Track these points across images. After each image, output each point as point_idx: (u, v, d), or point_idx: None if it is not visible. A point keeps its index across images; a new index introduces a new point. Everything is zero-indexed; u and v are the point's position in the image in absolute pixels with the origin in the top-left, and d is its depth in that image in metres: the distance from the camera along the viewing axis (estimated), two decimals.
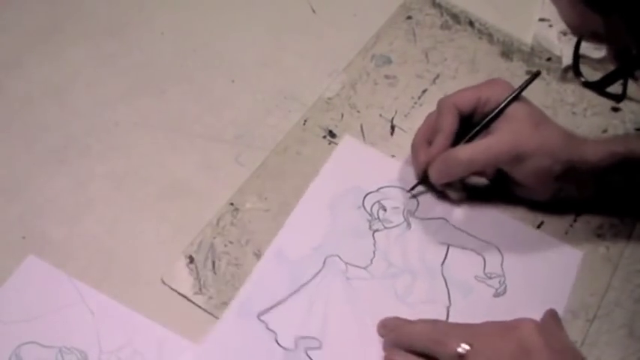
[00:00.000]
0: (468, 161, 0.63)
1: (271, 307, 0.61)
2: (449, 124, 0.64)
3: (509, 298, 0.64)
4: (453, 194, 0.68)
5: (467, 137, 0.65)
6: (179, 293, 0.61)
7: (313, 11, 0.84)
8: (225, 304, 0.61)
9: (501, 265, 0.65)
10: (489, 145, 0.63)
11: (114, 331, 0.59)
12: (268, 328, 0.59)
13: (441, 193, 0.69)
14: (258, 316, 0.60)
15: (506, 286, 0.64)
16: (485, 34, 0.83)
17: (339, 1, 0.85)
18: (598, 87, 0.50)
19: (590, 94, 0.75)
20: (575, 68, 0.52)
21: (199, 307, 0.61)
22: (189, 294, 0.61)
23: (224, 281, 0.62)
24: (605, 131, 0.75)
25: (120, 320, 0.59)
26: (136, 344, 0.58)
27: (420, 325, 0.58)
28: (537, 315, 0.60)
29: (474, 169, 0.65)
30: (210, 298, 0.61)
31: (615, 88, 0.73)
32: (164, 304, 0.61)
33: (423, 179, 0.67)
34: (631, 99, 0.75)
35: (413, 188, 0.68)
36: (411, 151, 0.69)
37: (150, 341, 0.59)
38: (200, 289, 0.62)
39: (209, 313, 0.60)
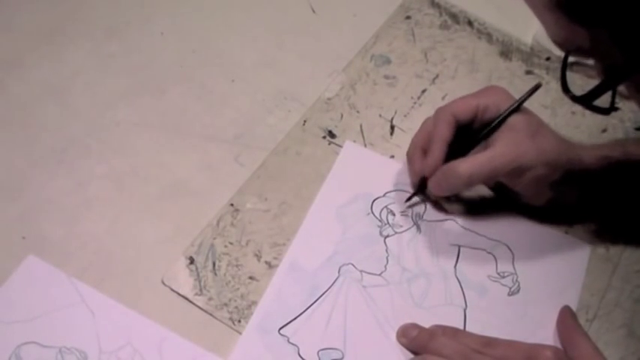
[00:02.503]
0: (468, 176, 0.62)
1: (291, 321, 0.61)
2: (443, 134, 0.64)
3: (523, 295, 0.64)
4: (448, 206, 0.68)
5: (467, 149, 0.65)
6: (179, 294, 0.61)
7: (313, 11, 0.84)
8: (225, 305, 0.61)
9: (512, 263, 0.66)
10: (489, 159, 0.62)
11: (114, 331, 0.59)
12: (290, 342, 0.59)
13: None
14: (279, 331, 0.60)
15: (519, 284, 0.65)
16: (485, 33, 0.83)
17: (339, 1, 0.85)
18: (585, 101, 0.50)
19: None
20: (563, 84, 0.51)
21: (200, 307, 0.61)
22: (189, 295, 0.61)
23: (224, 282, 0.62)
24: (604, 131, 0.75)
25: (120, 320, 0.59)
26: (136, 344, 0.58)
27: (444, 345, 0.58)
28: (552, 310, 0.62)
29: (474, 184, 0.65)
30: (211, 299, 0.61)
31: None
32: (164, 305, 0.61)
33: (419, 189, 0.67)
34: (630, 98, 0.75)
35: (409, 199, 0.68)
36: (407, 159, 0.69)
37: (150, 341, 0.59)
38: (200, 290, 0.62)
39: (209, 314, 0.61)
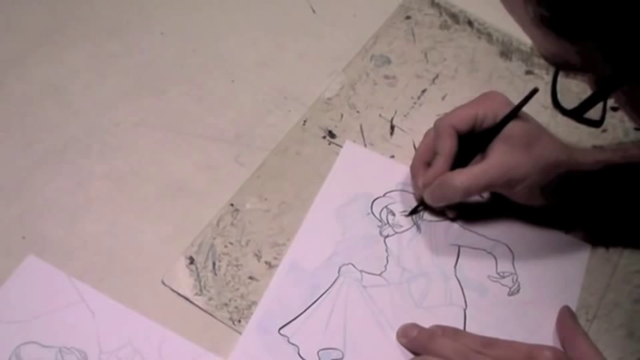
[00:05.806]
0: (463, 189, 0.62)
1: (291, 321, 0.61)
2: (447, 148, 0.64)
3: (523, 295, 0.64)
4: (450, 213, 0.68)
5: (466, 159, 0.65)
6: (179, 294, 0.61)
7: (313, 11, 0.84)
8: (225, 305, 0.61)
9: (512, 263, 0.66)
10: (484, 171, 0.62)
11: (114, 331, 0.59)
12: (290, 342, 0.59)
13: None
14: (279, 331, 0.60)
15: (519, 284, 0.65)
16: (485, 33, 0.83)
17: (339, 1, 0.85)
18: (575, 114, 0.49)
19: (589, 93, 0.75)
20: (553, 99, 0.51)
21: (200, 307, 0.61)
22: (189, 295, 0.61)
23: (224, 282, 0.62)
24: (604, 131, 0.75)
25: (120, 320, 0.59)
26: (136, 344, 0.58)
27: (444, 345, 0.58)
28: (552, 310, 0.62)
29: (470, 196, 0.65)
30: (211, 299, 0.61)
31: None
32: (164, 305, 0.61)
33: (422, 202, 0.67)
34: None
35: (413, 212, 0.68)
36: (410, 173, 0.69)
37: (150, 341, 0.59)
38: (200, 290, 0.62)
39: (209, 314, 0.61)
